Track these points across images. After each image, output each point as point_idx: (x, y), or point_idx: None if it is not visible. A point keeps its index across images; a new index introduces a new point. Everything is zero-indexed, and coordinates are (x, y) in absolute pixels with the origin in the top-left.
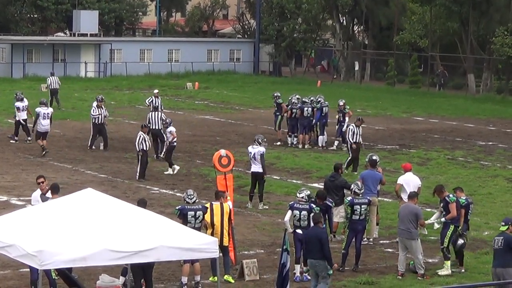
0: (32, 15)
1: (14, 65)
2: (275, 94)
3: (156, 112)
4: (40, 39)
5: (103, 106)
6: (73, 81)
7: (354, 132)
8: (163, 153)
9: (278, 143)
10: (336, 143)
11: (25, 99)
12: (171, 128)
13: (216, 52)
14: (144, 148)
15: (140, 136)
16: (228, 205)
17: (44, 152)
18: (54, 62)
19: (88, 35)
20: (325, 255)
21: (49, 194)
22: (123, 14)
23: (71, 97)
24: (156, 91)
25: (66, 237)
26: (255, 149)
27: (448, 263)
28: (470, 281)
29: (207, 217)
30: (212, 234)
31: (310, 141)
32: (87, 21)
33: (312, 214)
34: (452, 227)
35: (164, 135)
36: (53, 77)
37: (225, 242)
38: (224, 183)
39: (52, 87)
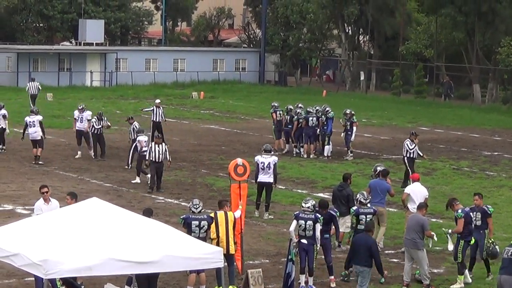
0: (38, 24)
1: (20, 74)
2: (273, 104)
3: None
4: (46, 48)
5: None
6: (79, 90)
7: (409, 147)
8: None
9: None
10: (350, 154)
11: (3, 109)
12: (141, 137)
13: (222, 62)
14: (152, 159)
15: (151, 146)
16: (234, 214)
17: (35, 162)
18: (60, 71)
19: (94, 44)
20: (376, 264)
21: (53, 203)
22: (129, 24)
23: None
24: (158, 101)
25: (71, 246)
26: (269, 159)
27: (462, 277)
28: None
29: (212, 226)
30: (217, 243)
31: (316, 151)
32: (93, 30)
33: (317, 224)
34: (461, 242)
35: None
36: (33, 82)
37: (231, 250)
38: (238, 192)
39: (32, 92)
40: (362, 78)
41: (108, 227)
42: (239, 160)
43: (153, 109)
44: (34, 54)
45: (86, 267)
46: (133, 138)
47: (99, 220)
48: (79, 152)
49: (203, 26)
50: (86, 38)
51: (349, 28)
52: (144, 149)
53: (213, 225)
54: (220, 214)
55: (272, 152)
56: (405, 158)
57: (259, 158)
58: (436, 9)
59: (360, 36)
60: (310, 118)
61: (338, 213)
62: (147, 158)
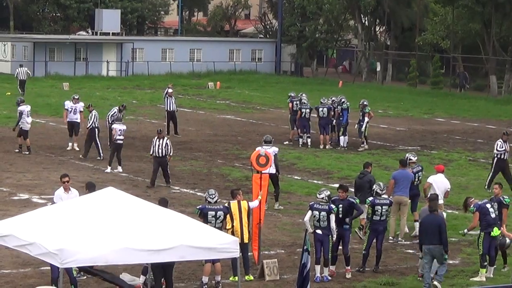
0: (54, 14)
1: (36, 63)
2: (292, 94)
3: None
4: (62, 38)
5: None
6: (95, 80)
7: (500, 147)
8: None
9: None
10: (364, 145)
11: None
12: (116, 125)
13: (238, 52)
14: (154, 154)
15: (152, 141)
16: (249, 203)
17: (20, 150)
18: (76, 61)
19: (110, 34)
20: (442, 241)
21: (72, 193)
22: (145, 13)
23: (92, 96)
24: (170, 90)
25: (87, 235)
26: (269, 150)
27: (484, 270)
28: (490, 283)
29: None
30: (232, 233)
31: (332, 142)
32: (109, 20)
33: (331, 215)
34: (482, 234)
35: None
36: (21, 68)
37: (245, 239)
38: (259, 182)
39: (21, 78)
40: (378, 69)
41: (124, 217)
42: (262, 151)
43: (166, 98)
44: (51, 43)
45: (102, 256)
46: (91, 126)
47: (115, 210)
48: (69, 144)
49: (219, 16)
50: (103, 28)
51: (366, 18)
52: (118, 137)
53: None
54: (233, 204)
55: (272, 143)
56: (495, 158)
57: (259, 149)
58: (453, 0)
59: (377, 27)
60: (321, 109)
61: (358, 200)
62: (151, 153)
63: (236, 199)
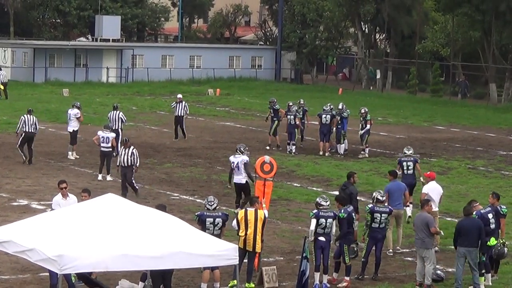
0: (54, 20)
1: (36, 69)
2: (272, 100)
3: (116, 111)
4: (62, 44)
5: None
6: (95, 86)
7: None
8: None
9: (268, 147)
10: (366, 151)
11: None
12: (99, 132)
13: (238, 59)
14: (120, 163)
15: (120, 150)
16: (264, 212)
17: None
18: (76, 67)
19: (110, 40)
20: (481, 243)
21: (70, 199)
22: (146, 20)
23: (92, 102)
24: (179, 96)
25: (86, 242)
26: (238, 158)
27: (482, 279)
28: None
29: (241, 220)
30: (244, 240)
31: (331, 149)
32: (110, 26)
33: (334, 221)
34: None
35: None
36: (0, 71)
37: (257, 249)
38: (262, 189)
39: (2, 81)
40: (378, 76)
41: (124, 223)
42: (267, 158)
43: (175, 105)
44: (51, 49)
45: (101, 262)
46: (22, 131)
47: (115, 216)
48: (69, 153)
49: (219, 23)
50: (103, 34)
51: (366, 26)
52: (102, 145)
53: (242, 222)
54: (250, 212)
55: (249, 153)
56: None
57: (231, 158)
58: (453, 8)
59: (377, 34)
60: (323, 116)
61: (342, 215)
62: (117, 164)
63: (254, 207)
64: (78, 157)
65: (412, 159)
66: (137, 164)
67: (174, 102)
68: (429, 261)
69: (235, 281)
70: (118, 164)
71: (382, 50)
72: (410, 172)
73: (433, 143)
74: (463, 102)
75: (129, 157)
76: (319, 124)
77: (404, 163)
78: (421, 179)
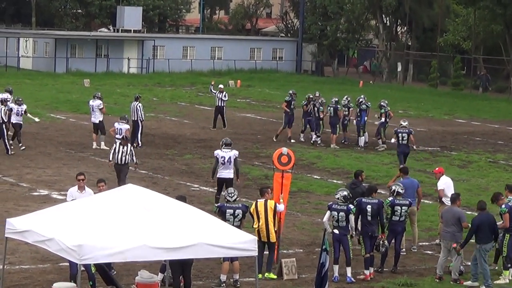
0: (76, 10)
1: (57, 60)
2: (294, 92)
3: (136, 103)
4: (83, 35)
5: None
6: (116, 77)
7: None
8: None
9: (288, 141)
10: (380, 142)
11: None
12: (116, 124)
13: (259, 51)
14: (115, 160)
15: (115, 147)
16: (277, 204)
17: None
18: (97, 58)
19: (132, 31)
20: (495, 239)
21: (86, 192)
22: (167, 11)
23: (113, 93)
24: (221, 86)
25: (105, 232)
26: (229, 153)
27: (507, 272)
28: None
29: (253, 212)
30: (258, 232)
31: (345, 140)
32: (131, 17)
33: (350, 215)
34: (507, 236)
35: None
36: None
37: (272, 238)
38: (280, 181)
39: None
40: (399, 69)
41: (143, 214)
42: (284, 150)
43: (216, 94)
44: (72, 40)
45: (120, 252)
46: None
47: (134, 206)
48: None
49: (241, 15)
50: (124, 25)
51: (387, 19)
52: (117, 136)
53: (254, 214)
54: (260, 203)
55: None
56: None
57: (219, 153)
58: (475, 1)
59: (398, 27)
60: (328, 108)
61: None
62: (110, 159)
63: (263, 198)
64: (106, 148)
65: (407, 130)
66: (136, 162)
67: (217, 91)
68: (456, 255)
69: (271, 274)
70: (111, 159)
71: (403, 43)
72: (405, 142)
73: (454, 136)
74: (484, 96)
75: (124, 156)
76: (328, 116)
77: (400, 134)
78: (414, 147)
